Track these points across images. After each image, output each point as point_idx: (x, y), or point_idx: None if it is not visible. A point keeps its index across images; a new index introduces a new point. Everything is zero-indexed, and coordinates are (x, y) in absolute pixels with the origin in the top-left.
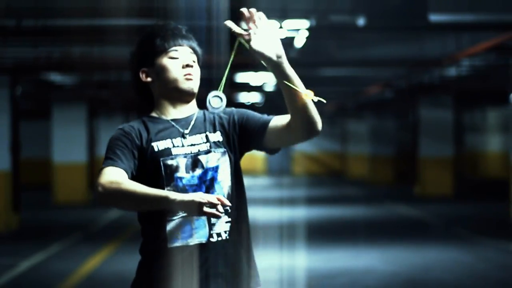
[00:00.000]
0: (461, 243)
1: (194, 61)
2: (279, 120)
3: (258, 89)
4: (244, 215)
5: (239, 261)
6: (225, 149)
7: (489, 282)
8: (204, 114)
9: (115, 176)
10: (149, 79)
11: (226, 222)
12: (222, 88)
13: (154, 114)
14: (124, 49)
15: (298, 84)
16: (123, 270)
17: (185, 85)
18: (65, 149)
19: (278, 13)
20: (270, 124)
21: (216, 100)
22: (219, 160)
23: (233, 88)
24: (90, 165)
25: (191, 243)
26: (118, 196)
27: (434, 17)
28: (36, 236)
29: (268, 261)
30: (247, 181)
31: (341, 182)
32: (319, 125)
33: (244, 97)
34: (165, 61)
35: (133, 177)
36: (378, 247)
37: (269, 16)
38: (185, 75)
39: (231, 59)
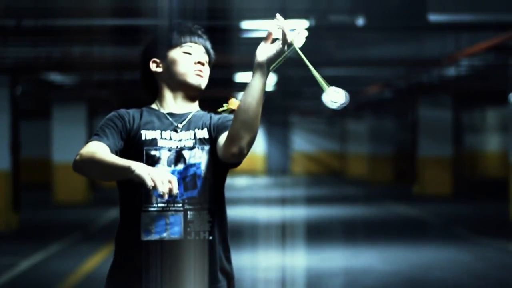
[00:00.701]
0: (460, 242)
1: (206, 61)
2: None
3: None
4: (223, 215)
5: (216, 261)
6: (210, 147)
7: (488, 282)
8: (201, 115)
9: (95, 147)
10: (159, 69)
11: (208, 222)
12: (325, 84)
13: (153, 106)
14: (124, 49)
15: (247, 96)
16: None
17: (194, 79)
18: (65, 148)
19: (277, 12)
20: (221, 135)
21: (336, 95)
22: (202, 157)
23: (232, 88)
24: None
25: (165, 239)
26: (89, 163)
27: (433, 17)
28: (36, 236)
29: (267, 260)
30: (247, 180)
31: (340, 181)
32: (243, 146)
33: None
34: (178, 54)
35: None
36: (377, 247)
37: (268, 16)
38: (195, 70)
39: (305, 59)
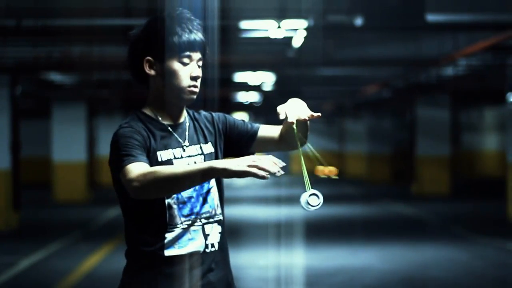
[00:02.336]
0: (458, 241)
1: (200, 66)
2: (268, 131)
3: (256, 88)
4: (225, 224)
5: (227, 269)
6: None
7: (485, 280)
8: (192, 120)
9: (143, 169)
10: (152, 72)
11: (219, 233)
12: (309, 186)
13: (149, 113)
14: (124, 49)
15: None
16: (122, 268)
17: (188, 97)
18: (65, 148)
19: (276, 13)
20: (258, 134)
21: (314, 198)
22: None
23: (231, 88)
24: (90, 164)
25: (187, 252)
26: (159, 183)
27: (431, 17)
28: (36, 235)
29: (266, 259)
30: (245, 179)
31: (339, 180)
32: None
33: (243, 97)
34: (176, 65)
35: None
36: (375, 246)
37: (267, 16)
38: (190, 86)
39: (302, 160)
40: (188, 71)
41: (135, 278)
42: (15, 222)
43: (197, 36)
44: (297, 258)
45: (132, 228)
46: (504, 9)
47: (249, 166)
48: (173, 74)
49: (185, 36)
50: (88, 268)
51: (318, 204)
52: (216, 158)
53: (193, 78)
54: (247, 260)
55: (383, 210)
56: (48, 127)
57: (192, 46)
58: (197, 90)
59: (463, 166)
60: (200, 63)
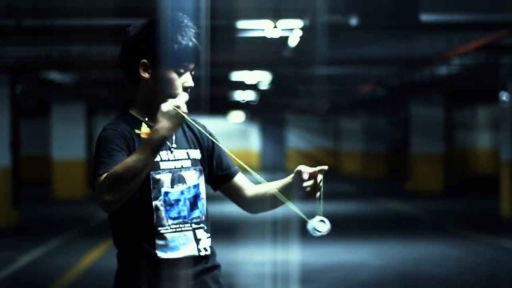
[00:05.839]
0: (452, 238)
1: (193, 74)
2: (243, 182)
3: (253, 87)
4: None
5: (216, 272)
6: (202, 168)
7: (479, 276)
8: (181, 125)
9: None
10: (145, 75)
11: (207, 238)
12: (321, 212)
13: (136, 115)
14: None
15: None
16: None
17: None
18: (64, 146)
19: (272, 12)
20: (234, 178)
21: (321, 224)
22: (199, 178)
23: (228, 87)
24: (89, 162)
25: (180, 256)
26: (116, 184)
27: (425, 17)
28: (35, 231)
29: (263, 255)
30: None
31: (334, 178)
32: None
33: (239, 95)
34: (171, 74)
35: None
36: (370, 242)
37: (263, 16)
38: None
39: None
40: (182, 81)
41: (129, 281)
42: (15, 218)
43: (194, 45)
44: (293, 254)
45: (120, 229)
46: (497, 9)
47: (167, 128)
48: (168, 82)
49: (184, 46)
50: (87, 264)
51: (326, 230)
52: (202, 165)
53: (186, 89)
54: (243, 256)
55: (378, 207)
56: (47, 126)
57: (189, 56)
58: (187, 99)
59: (457, 164)
60: (193, 72)
